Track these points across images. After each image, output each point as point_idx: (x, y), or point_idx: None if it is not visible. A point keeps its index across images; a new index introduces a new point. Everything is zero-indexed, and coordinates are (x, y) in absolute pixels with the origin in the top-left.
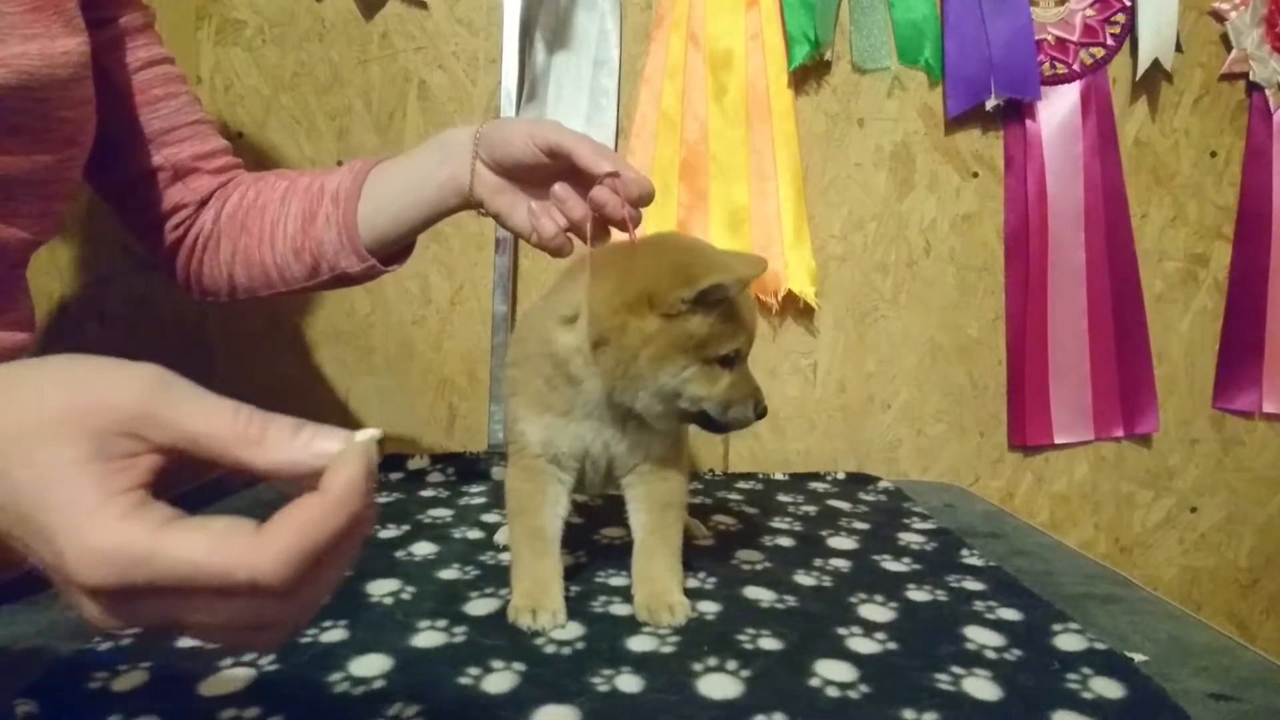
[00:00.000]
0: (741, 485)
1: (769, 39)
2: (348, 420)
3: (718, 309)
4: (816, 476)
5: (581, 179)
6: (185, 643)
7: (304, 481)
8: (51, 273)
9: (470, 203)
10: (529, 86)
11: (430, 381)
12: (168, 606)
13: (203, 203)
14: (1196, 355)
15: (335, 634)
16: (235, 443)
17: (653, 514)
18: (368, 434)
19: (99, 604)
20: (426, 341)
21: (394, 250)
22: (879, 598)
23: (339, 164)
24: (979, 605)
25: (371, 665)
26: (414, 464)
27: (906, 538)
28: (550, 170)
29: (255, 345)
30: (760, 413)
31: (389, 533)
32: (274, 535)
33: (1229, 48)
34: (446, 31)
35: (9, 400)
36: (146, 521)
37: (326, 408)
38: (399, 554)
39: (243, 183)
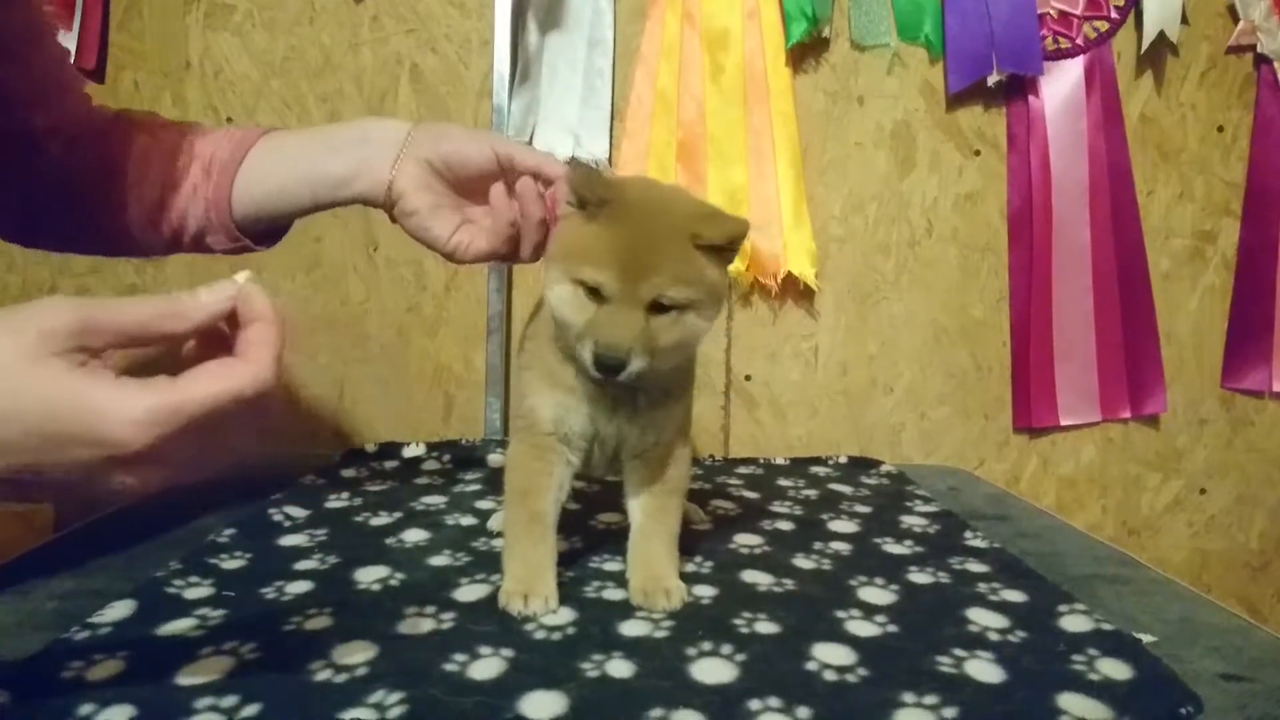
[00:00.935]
0: (741, 470)
1: (766, 16)
2: (342, 414)
3: (597, 220)
4: (818, 461)
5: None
6: (164, 630)
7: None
8: (42, 263)
9: (378, 200)
10: (522, 68)
11: (426, 369)
12: (200, 437)
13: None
14: (1205, 334)
15: (320, 621)
16: (160, 321)
17: (653, 498)
18: (244, 274)
19: (140, 466)
20: (422, 329)
21: (270, 229)
22: (879, 580)
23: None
24: (982, 587)
25: (356, 653)
26: (409, 452)
27: (909, 521)
28: (487, 183)
29: None
30: (599, 361)
31: (380, 520)
32: (257, 353)
33: (1236, 19)
34: (438, 14)
35: None
36: (157, 384)
37: (320, 397)
38: (389, 541)
39: (94, 127)
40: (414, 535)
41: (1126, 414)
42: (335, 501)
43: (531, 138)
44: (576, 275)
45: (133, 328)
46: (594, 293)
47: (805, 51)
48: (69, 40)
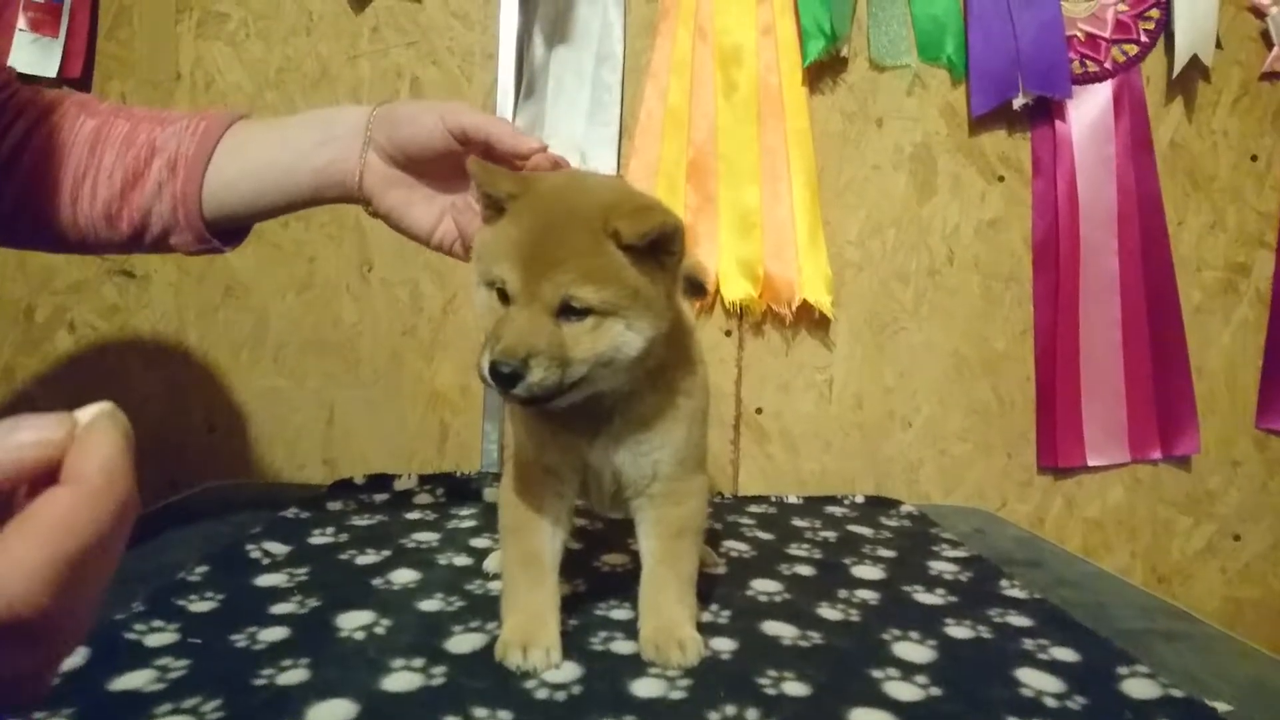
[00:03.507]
0: (753, 509)
1: (782, 33)
2: (332, 437)
3: (500, 218)
4: (833, 499)
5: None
6: (118, 684)
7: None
8: (19, 280)
9: (354, 196)
10: (527, 82)
11: (421, 395)
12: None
13: None
14: (1238, 371)
15: (295, 674)
16: None
17: (664, 541)
18: (98, 407)
19: (43, 642)
20: (417, 353)
21: (238, 228)
22: (915, 634)
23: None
24: (1029, 643)
25: (334, 712)
26: (400, 484)
27: (937, 566)
28: (455, 161)
29: (235, 357)
30: (494, 370)
31: (367, 558)
32: (20, 550)
33: (1270, 45)
34: (441, 25)
35: None
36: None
37: (309, 423)
38: (376, 582)
39: (32, 106)
40: (403, 575)
41: (1156, 454)
42: (319, 537)
43: None
44: (486, 276)
45: None
46: (503, 295)
47: (822, 70)
48: (54, 48)
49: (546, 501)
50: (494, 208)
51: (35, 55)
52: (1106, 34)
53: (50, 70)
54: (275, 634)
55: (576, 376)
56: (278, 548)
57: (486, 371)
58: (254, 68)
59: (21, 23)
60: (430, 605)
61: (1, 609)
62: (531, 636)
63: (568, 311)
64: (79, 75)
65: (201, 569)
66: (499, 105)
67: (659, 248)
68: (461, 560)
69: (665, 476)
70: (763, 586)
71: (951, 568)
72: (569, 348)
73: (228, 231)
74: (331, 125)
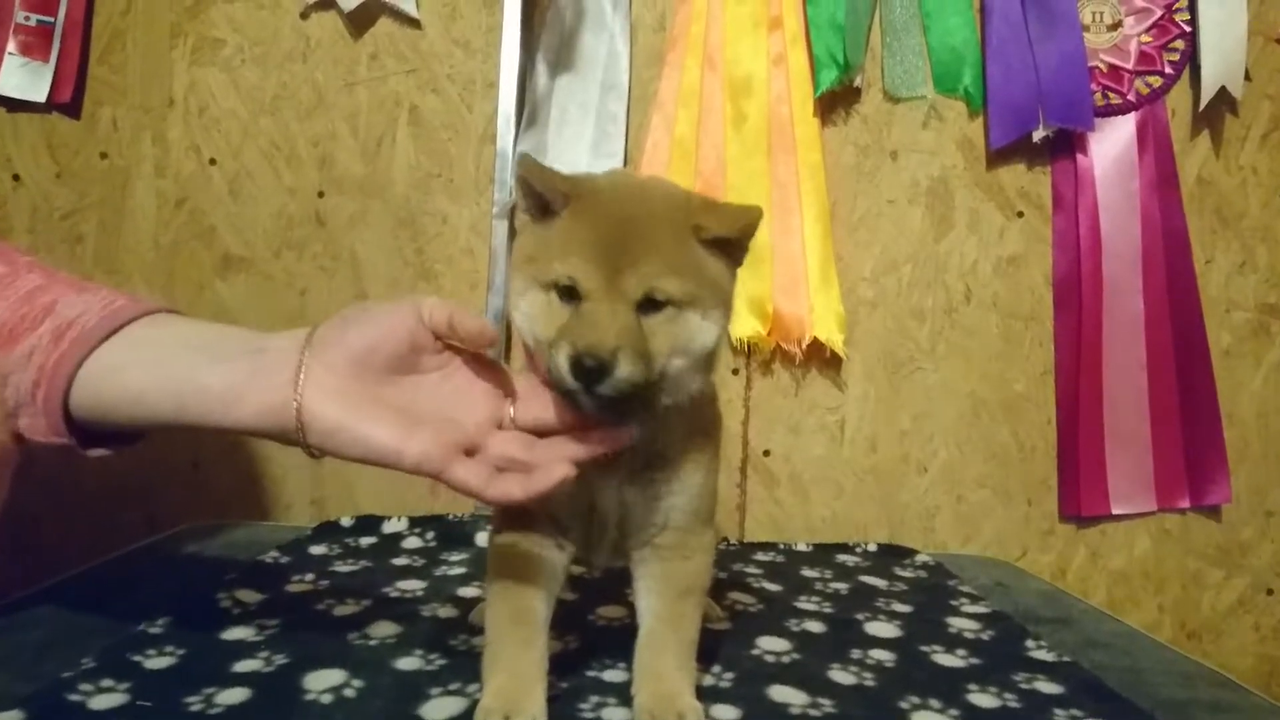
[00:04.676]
0: (760, 556)
1: (793, 63)
2: (321, 476)
3: (563, 217)
4: (844, 548)
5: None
6: None
7: None
8: None
9: (282, 430)
10: (529, 112)
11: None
12: None
13: None
14: (1270, 416)
15: None
16: None
17: (666, 600)
18: None
19: None
20: None
21: (114, 435)
22: (935, 702)
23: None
24: (1061, 715)
25: None
26: (389, 527)
27: (957, 624)
28: (423, 360)
29: None
30: (577, 365)
31: (345, 609)
32: None
33: None
34: (441, 52)
35: None
36: None
37: (293, 461)
38: (352, 636)
39: None
40: (382, 629)
41: (1185, 503)
42: (297, 584)
43: None
44: (546, 277)
45: None
46: (568, 294)
47: (835, 101)
48: (45, 72)
49: (543, 552)
50: (543, 210)
51: (25, 80)
52: (1129, 65)
53: (40, 95)
54: (235, 696)
55: (657, 372)
56: (251, 596)
57: (566, 370)
58: (249, 94)
59: (11, 46)
60: (408, 664)
61: None
62: (515, 704)
63: (646, 305)
64: (69, 100)
65: (164, 619)
66: (500, 134)
67: (738, 242)
68: (446, 612)
69: (676, 526)
70: (770, 645)
71: (972, 625)
72: (650, 340)
73: (97, 436)
74: (265, 339)
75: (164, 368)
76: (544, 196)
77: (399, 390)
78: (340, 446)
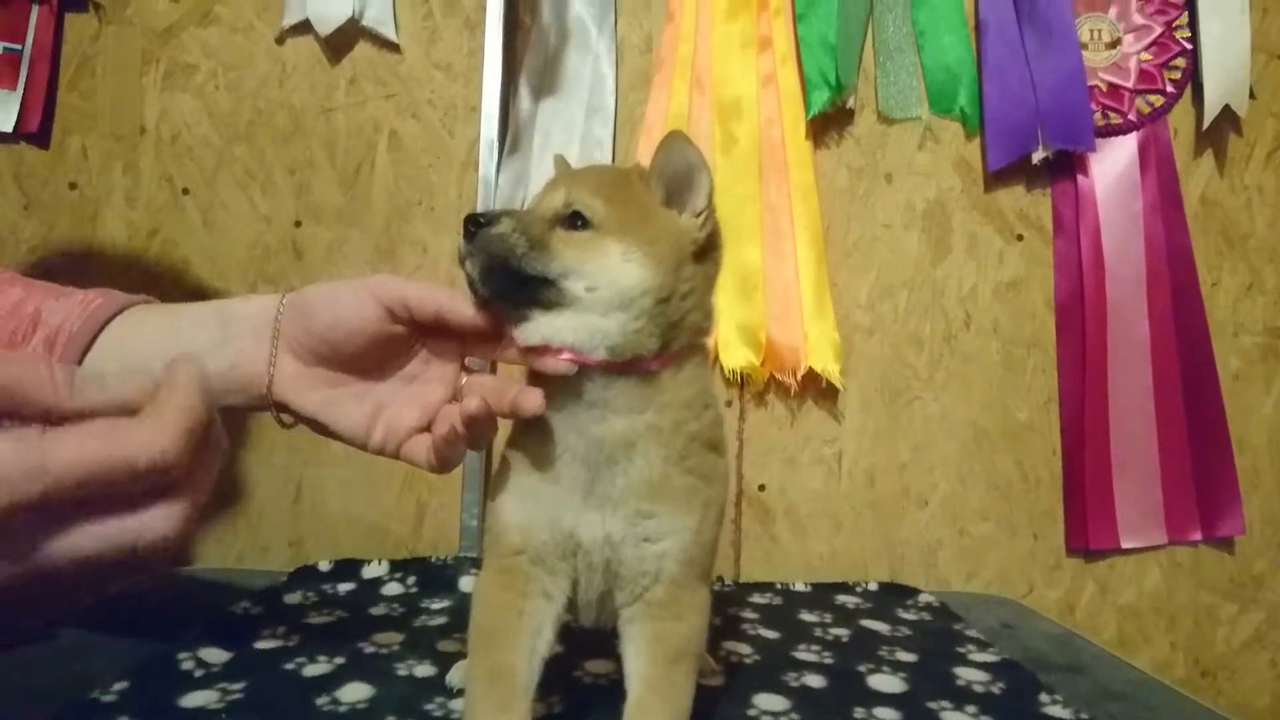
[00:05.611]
0: (756, 599)
1: (784, 84)
2: (299, 517)
3: None
4: (844, 587)
5: (437, 346)
6: None
7: None
8: None
9: (263, 404)
10: (512, 137)
11: (396, 473)
12: (63, 519)
13: None
14: None
15: None
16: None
17: (659, 665)
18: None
19: None
20: None
21: None
22: None
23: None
24: None
25: None
26: (369, 571)
27: (966, 674)
28: (389, 345)
29: None
30: (466, 222)
31: (317, 668)
32: (159, 416)
33: None
34: (421, 76)
35: None
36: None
37: (275, 502)
38: (321, 701)
39: None
40: (354, 692)
41: (1196, 535)
42: (266, 640)
43: None
44: None
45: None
46: None
47: (827, 123)
48: (12, 100)
49: (530, 602)
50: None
51: None
52: (1130, 84)
53: (6, 124)
54: None
55: (553, 268)
56: (216, 655)
57: (462, 238)
58: (223, 121)
59: None
60: None
61: (156, 456)
62: None
63: (572, 220)
64: (37, 129)
65: (120, 685)
66: (481, 160)
67: (681, 188)
68: (424, 670)
69: (668, 579)
70: (767, 704)
71: (982, 676)
72: (554, 245)
73: None
74: (230, 323)
75: (148, 371)
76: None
77: (362, 375)
78: (312, 429)
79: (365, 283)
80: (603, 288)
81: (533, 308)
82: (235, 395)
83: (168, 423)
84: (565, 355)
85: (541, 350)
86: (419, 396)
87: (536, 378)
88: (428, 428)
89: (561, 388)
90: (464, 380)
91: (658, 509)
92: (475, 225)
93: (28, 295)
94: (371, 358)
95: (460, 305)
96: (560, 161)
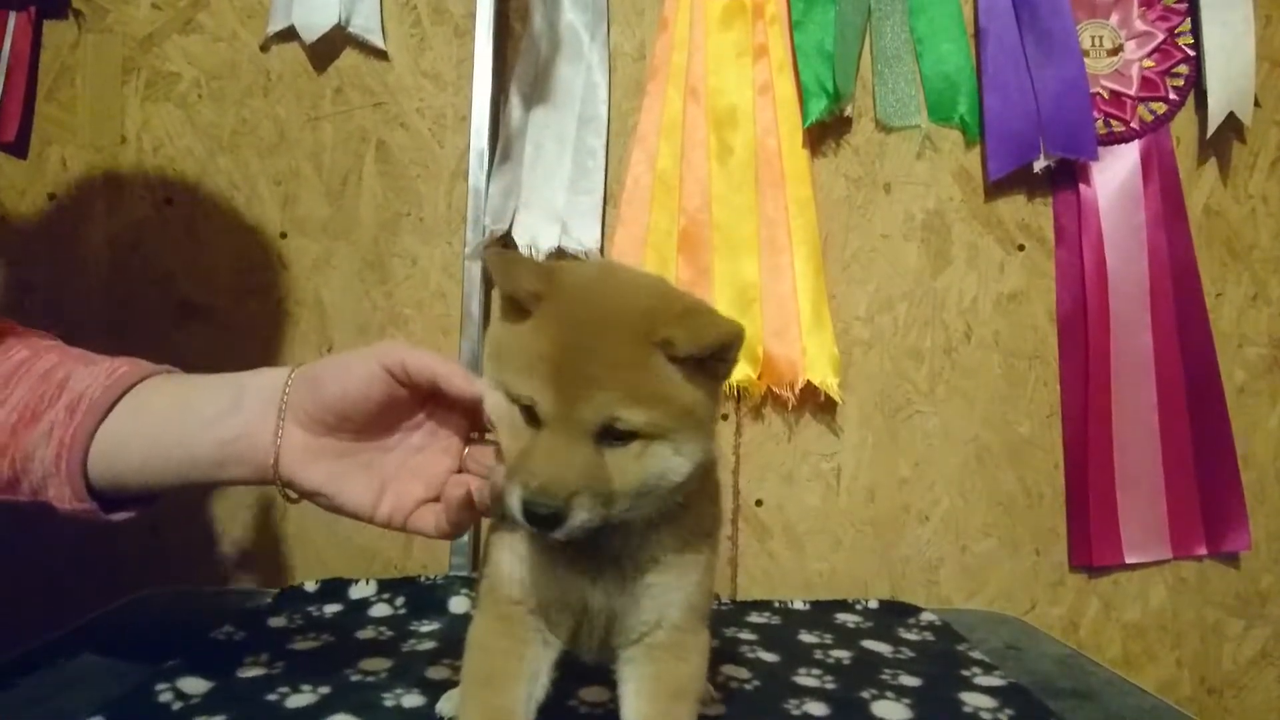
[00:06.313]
0: (754, 618)
1: (780, 92)
2: (286, 535)
3: (522, 320)
4: (844, 605)
5: (442, 418)
6: None
7: None
8: None
9: (268, 477)
10: (503, 147)
11: None
12: None
13: None
14: None
15: None
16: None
17: (659, 703)
18: None
19: None
20: None
21: (131, 496)
22: None
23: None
24: None
25: None
26: (356, 591)
27: (972, 701)
28: (394, 409)
29: None
30: (528, 512)
31: (300, 699)
32: None
33: None
34: (410, 85)
35: None
36: None
37: (255, 519)
38: None
39: None
40: None
41: (1202, 551)
42: (249, 668)
43: (512, 224)
44: (509, 389)
45: None
46: (530, 414)
47: (824, 132)
48: None
49: (529, 650)
50: (515, 307)
51: None
52: (1132, 91)
53: None
54: None
55: (621, 510)
56: (195, 685)
57: (519, 512)
58: (206, 131)
59: None
60: None
61: None
62: None
63: (609, 435)
64: (14, 139)
65: None
66: (472, 170)
67: (716, 358)
68: (412, 700)
69: (671, 625)
70: None
71: (989, 703)
72: (611, 479)
73: (117, 501)
74: (242, 393)
75: (159, 440)
76: (511, 292)
77: (368, 447)
78: (318, 503)
79: (370, 350)
80: (661, 489)
81: None
82: (240, 467)
83: None
84: None
85: None
86: (424, 469)
87: None
88: (433, 499)
89: None
90: (466, 451)
91: (665, 574)
92: (550, 525)
93: (60, 361)
94: (379, 425)
95: (455, 377)
96: (495, 258)
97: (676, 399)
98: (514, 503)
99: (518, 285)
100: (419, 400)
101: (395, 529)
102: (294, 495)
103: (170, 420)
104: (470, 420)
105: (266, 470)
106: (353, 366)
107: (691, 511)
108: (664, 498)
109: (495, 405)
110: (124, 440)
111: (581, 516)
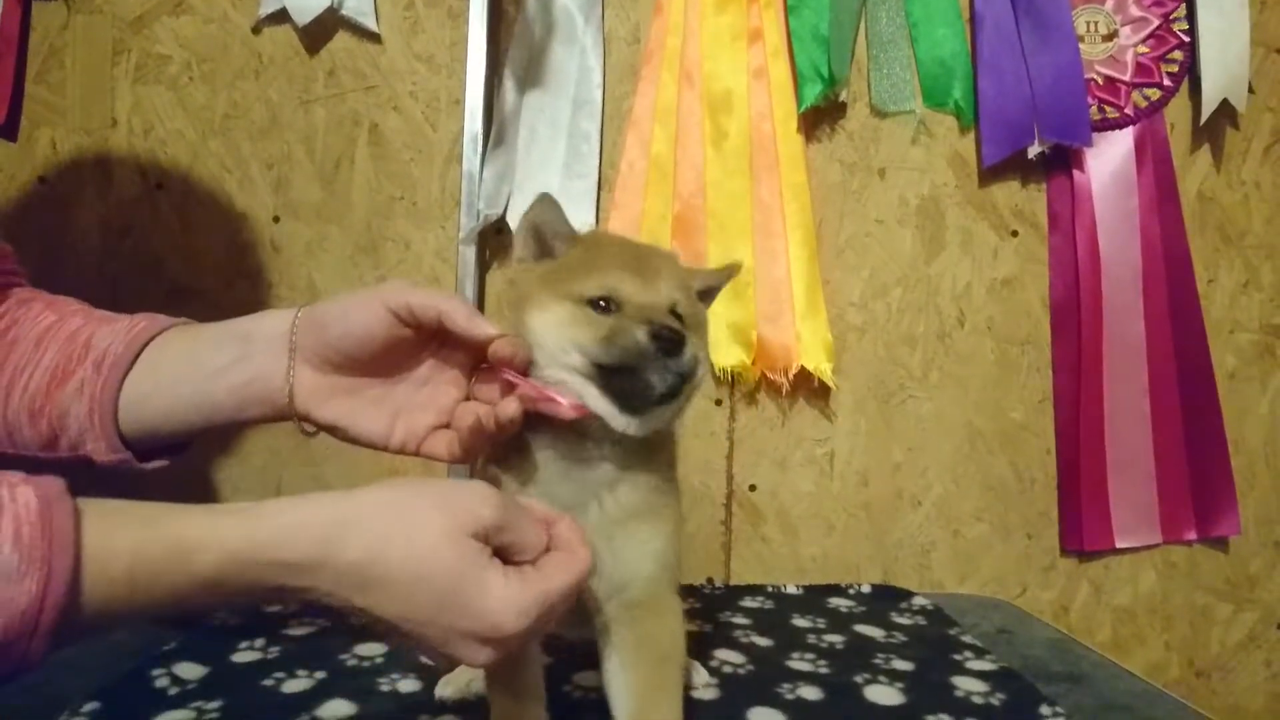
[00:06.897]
0: (748, 602)
1: (775, 77)
2: None
3: (572, 254)
4: (837, 590)
5: (446, 354)
6: None
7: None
8: None
9: (286, 414)
10: (496, 130)
11: (379, 474)
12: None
13: None
14: (1279, 442)
15: None
16: (539, 545)
17: (646, 669)
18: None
19: (498, 648)
20: None
21: (164, 444)
22: None
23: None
24: None
25: None
26: None
27: (964, 685)
28: (402, 348)
29: None
30: (657, 334)
31: (296, 683)
32: (580, 546)
33: None
34: (403, 68)
35: (410, 526)
36: (528, 576)
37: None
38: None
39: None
40: (335, 708)
41: (1192, 535)
42: (245, 653)
43: (506, 208)
44: (580, 293)
45: (523, 545)
46: (600, 306)
47: (819, 117)
48: None
49: None
50: (543, 252)
51: None
52: (1126, 77)
53: None
54: None
55: (691, 387)
56: (191, 670)
57: (647, 341)
58: (197, 114)
59: None
60: None
61: (579, 580)
62: None
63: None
64: (4, 122)
65: (91, 706)
66: (465, 154)
67: (709, 294)
68: (408, 685)
69: (647, 577)
70: (762, 719)
71: (980, 686)
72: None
73: (151, 449)
74: (249, 340)
75: (178, 392)
76: (550, 240)
77: (377, 383)
78: (334, 436)
79: (374, 291)
80: (698, 379)
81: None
82: (257, 408)
83: (583, 547)
84: (570, 401)
85: (547, 398)
86: (433, 398)
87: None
88: (443, 425)
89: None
90: (472, 381)
91: (642, 518)
92: (674, 349)
93: (85, 323)
94: (384, 362)
95: (458, 314)
96: (550, 205)
97: (699, 310)
98: (642, 338)
99: (565, 228)
100: (424, 338)
101: (409, 454)
102: (311, 429)
103: (183, 373)
104: (474, 355)
105: (284, 408)
106: (357, 308)
107: (662, 454)
108: (681, 408)
109: (558, 312)
110: (147, 393)
111: (693, 348)
